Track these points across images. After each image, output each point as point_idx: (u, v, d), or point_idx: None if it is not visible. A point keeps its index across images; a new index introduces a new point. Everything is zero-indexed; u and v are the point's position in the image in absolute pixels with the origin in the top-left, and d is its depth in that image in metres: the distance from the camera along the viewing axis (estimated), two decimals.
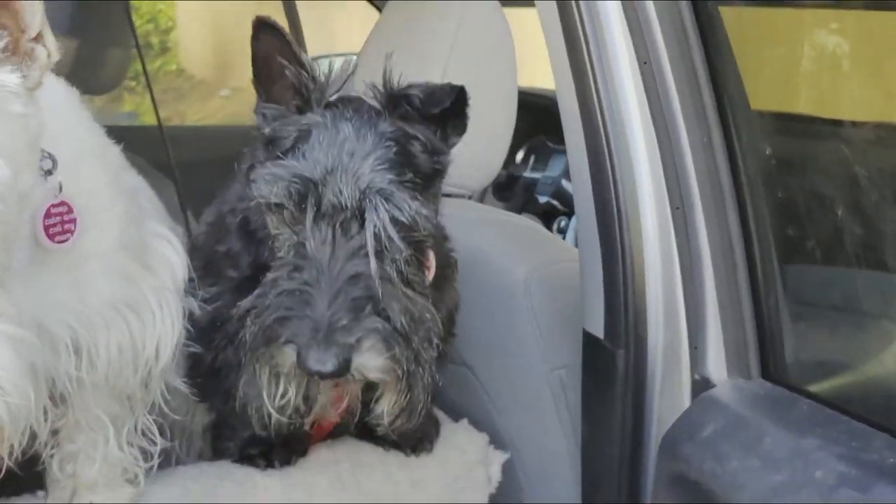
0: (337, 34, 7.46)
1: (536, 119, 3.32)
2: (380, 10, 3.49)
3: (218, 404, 2.02)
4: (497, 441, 2.21)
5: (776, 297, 1.78)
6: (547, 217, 3.47)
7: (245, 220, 1.88)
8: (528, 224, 2.54)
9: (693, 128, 1.76)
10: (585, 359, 1.96)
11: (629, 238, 1.81)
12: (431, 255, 1.85)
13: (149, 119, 3.50)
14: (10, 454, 1.55)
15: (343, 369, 1.52)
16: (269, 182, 1.59)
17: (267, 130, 1.67)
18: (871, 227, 1.68)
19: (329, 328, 1.51)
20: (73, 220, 1.59)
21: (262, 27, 1.62)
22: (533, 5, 1.90)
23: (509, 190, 3.98)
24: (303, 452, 2.01)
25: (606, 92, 1.81)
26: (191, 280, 1.88)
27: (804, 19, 1.88)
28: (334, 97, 1.68)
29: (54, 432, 1.78)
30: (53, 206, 1.56)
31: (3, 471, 1.63)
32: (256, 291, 1.63)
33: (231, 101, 9.27)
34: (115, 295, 1.69)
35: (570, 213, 3.37)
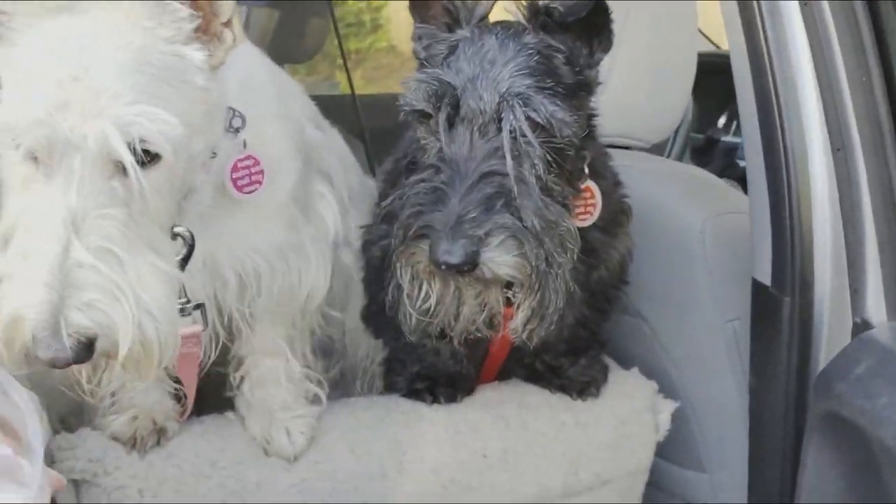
0: None
1: None
2: None
3: (389, 340, 2.11)
4: (669, 391, 2.22)
5: None
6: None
7: (412, 161, 1.95)
8: (704, 175, 2.52)
9: (852, 67, 1.72)
10: (754, 307, 1.95)
11: (796, 181, 1.80)
12: (596, 190, 1.87)
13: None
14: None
15: (470, 261, 1.53)
16: (414, 89, 1.64)
17: (422, 54, 1.73)
18: None
19: (458, 221, 1.53)
20: (261, 172, 1.72)
21: None
22: None
23: (708, 154, 3.92)
24: (469, 391, 2.07)
25: (774, 32, 1.79)
26: None
27: None
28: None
29: (240, 361, 1.94)
30: (240, 160, 1.69)
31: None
32: (397, 192, 1.68)
33: None
34: (282, 240, 1.81)
35: None
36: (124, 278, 1.35)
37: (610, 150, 2.35)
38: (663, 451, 2.21)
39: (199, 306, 1.70)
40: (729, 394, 2.11)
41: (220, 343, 1.83)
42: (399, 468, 1.93)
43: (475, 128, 1.60)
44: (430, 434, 1.96)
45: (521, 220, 1.56)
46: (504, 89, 1.59)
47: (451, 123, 1.62)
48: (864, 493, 1.62)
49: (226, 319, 1.81)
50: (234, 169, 1.69)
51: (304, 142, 1.90)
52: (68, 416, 1.91)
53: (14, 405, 1.25)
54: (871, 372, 1.57)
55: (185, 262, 1.58)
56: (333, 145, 2.19)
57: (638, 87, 2.42)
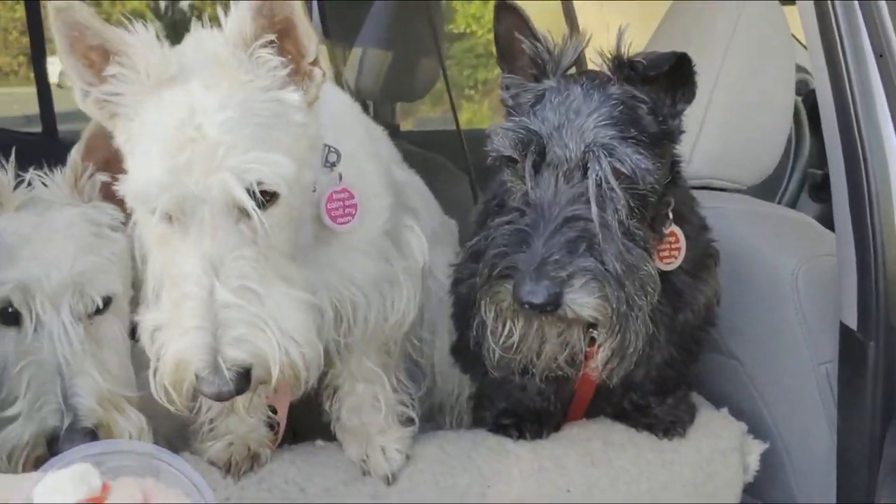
0: None
1: None
2: None
3: (478, 376, 2.17)
4: (761, 431, 2.23)
5: None
6: None
7: (500, 203, 2.02)
8: (799, 217, 2.51)
9: None
10: (841, 351, 1.96)
11: (880, 226, 1.81)
12: (681, 235, 1.91)
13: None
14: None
15: (553, 302, 1.59)
16: (500, 136, 1.72)
17: (510, 102, 1.81)
18: None
19: (542, 262, 1.59)
20: (354, 205, 1.81)
21: (503, 9, 1.78)
22: None
23: (826, 190, 3.87)
24: (555, 428, 2.11)
25: (860, 82, 1.82)
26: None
27: None
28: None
29: (335, 388, 2.03)
30: (336, 192, 1.79)
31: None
32: (483, 233, 1.75)
33: None
34: (376, 273, 1.90)
35: None
36: (264, 311, 1.49)
37: (705, 192, 2.39)
38: (754, 489, 2.21)
39: None
40: (822, 435, 2.11)
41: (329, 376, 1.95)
42: (483, 501, 1.97)
43: (560, 174, 1.66)
44: (514, 469, 2.00)
45: (602, 263, 1.62)
46: (590, 139, 1.66)
47: (536, 169, 1.69)
48: None
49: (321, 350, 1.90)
50: (329, 200, 1.79)
51: (392, 180, 2.00)
52: (175, 439, 2.02)
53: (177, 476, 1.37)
54: None
55: None
56: (416, 186, 2.32)
57: (734, 129, 2.44)
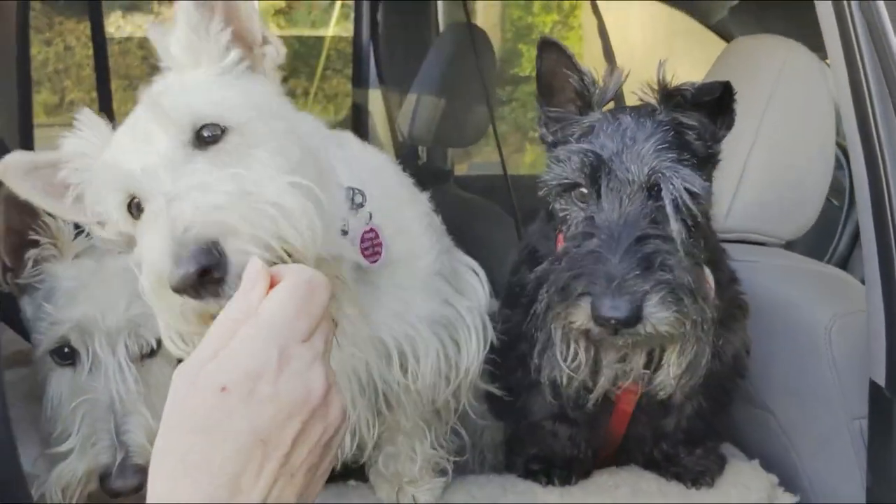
0: None
1: None
2: None
3: (511, 422, 2.22)
4: (793, 483, 2.23)
5: None
6: None
7: (533, 249, 2.07)
8: (835, 273, 2.52)
9: None
10: (871, 407, 1.96)
11: None
12: (710, 278, 1.94)
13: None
14: (342, 454, 1.89)
15: (635, 316, 1.62)
16: (561, 160, 1.77)
17: (549, 138, 1.86)
18: None
19: (622, 278, 1.62)
20: (380, 244, 1.86)
21: (546, 46, 1.82)
22: None
23: None
24: (584, 475, 2.14)
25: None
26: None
27: None
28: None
29: (378, 437, 2.05)
30: (366, 232, 1.84)
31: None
32: (547, 260, 1.80)
33: None
34: (434, 313, 1.95)
35: None
36: (219, 191, 1.33)
37: (742, 246, 2.42)
38: None
39: None
40: (854, 491, 2.10)
41: (377, 428, 1.97)
42: None
43: (623, 196, 1.71)
44: None
45: (677, 277, 1.66)
46: (652, 163, 1.71)
47: (598, 194, 1.73)
48: None
49: (385, 402, 1.95)
50: (362, 240, 1.83)
51: (435, 221, 2.07)
52: None
53: None
54: None
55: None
56: None
57: (773, 184, 2.47)
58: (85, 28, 7.66)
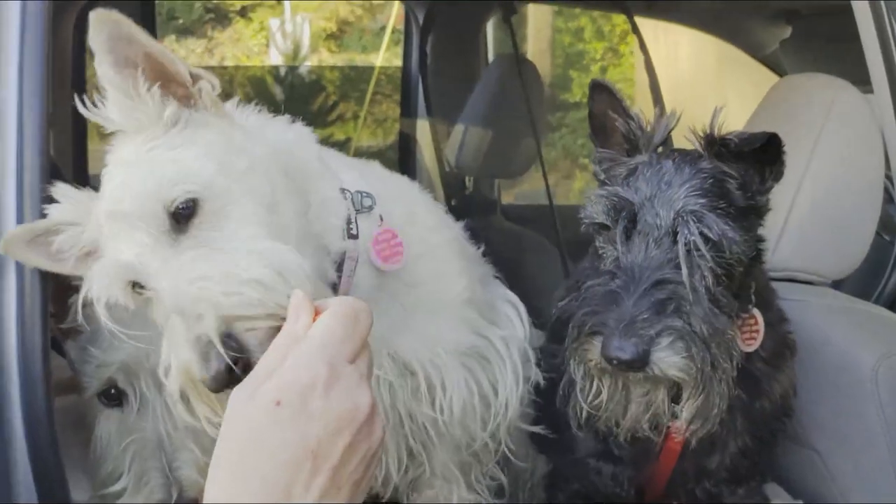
0: None
1: None
2: None
3: (554, 456, 2.22)
4: None
5: None
6: None
7: (581, 286, 2.08)
8: (882, 313, 2.50)
9: None
10: None
11: None
12: (760, 318, 1.97)
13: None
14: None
15: (641, 359, 1.64)
16: (594, 203, 1.81)
17: (601, 175, 1.90)
18: None
19: (631, 321, 1.64)
20: (400, 244, 1.88)
21: (597, 88, 1.87)
22: None
23: None
24: None
25: None
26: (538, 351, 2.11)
27: None
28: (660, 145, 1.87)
29: (412, 481, 2.07)
30: (379, 234, 1.86)
31: None
32: (573, 294, 1.83)
33: None
34: (462, 342, 1.96)
35: None
36: (210, 278, 1.42)
37: (789, 284, 2.41)
38: None
39: None
40: None
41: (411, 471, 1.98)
42: None
43: (651, 240, 1.74)
44: None
45: (689, 324, 1.68)
46: (679, 207, 1.73)
47: (628, 235, 1.76)
48: None
49: (418, 440, 1.95)
50: (375, 242, 1.85)
51: (467, 250, 2.09)
52: None
53: None
54: None
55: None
56: None
57: (821, 222, 2.45)
58: None
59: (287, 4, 10.15)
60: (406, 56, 4.47)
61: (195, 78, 1.64)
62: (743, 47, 4.24)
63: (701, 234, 1.70)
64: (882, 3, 2.17)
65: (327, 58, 11.86)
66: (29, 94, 1.68)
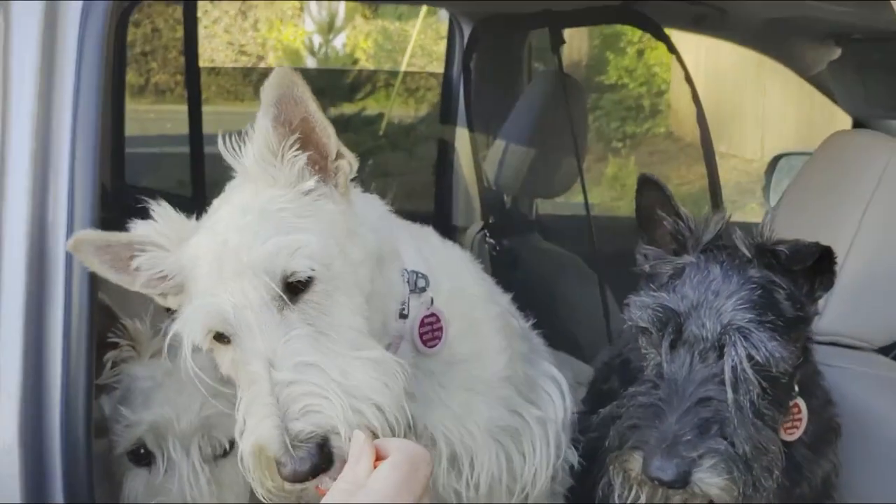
0: None
1: None
2: None
3: None
4: None
5: None
6: None
7: (626, 360, 2.06)
8: None
9: None
10: None
11: None
12: (804, 408, 1.94)
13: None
14: None
15: (682, 480, 1.64)
16: (639, 308, 1.78)
17: (647, 268, 1.87)
18: None
19: (674, 440, 1.65)
20: (441, 329, 1.88)
21: (646, 183, 1.85)
22: None
23: None
24: None
25: None
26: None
27: None
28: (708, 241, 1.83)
29: None
30: (426, 317, 1.87)
31: None
32: (616, 402, 1.81)
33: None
34: (496, 421, 1.94)
35: None
36: (327, 378, 1.50)
37: (833, 349, 2.37)
38: None
39: None
40: None
41: None
42: None
43: (696, 352, 1.72)
44: None
45: (733, 445, 1.67)
46: (726, 321, 1.70)
47: (672, 345, 1.74)
48: None
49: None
50: (421, 324, 1.86)
51: (513, 327, 2.05)
52: None
53: None
54: None
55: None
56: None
57: (869, 286, 2.41)
58: (174, 11, 7.79)
59: None
60: (448, 62, 4.43)
61: (339, 155, 1.67)
62: (789, 65, 4.16)
63: (748, 354, 1.68)
64: None
65: (361, 25, 11.80)
66: (86, 90, 1.72)
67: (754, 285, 1.73)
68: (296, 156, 1.62)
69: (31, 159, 1.71)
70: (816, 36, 3.92)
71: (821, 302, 2.38)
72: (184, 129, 4.37)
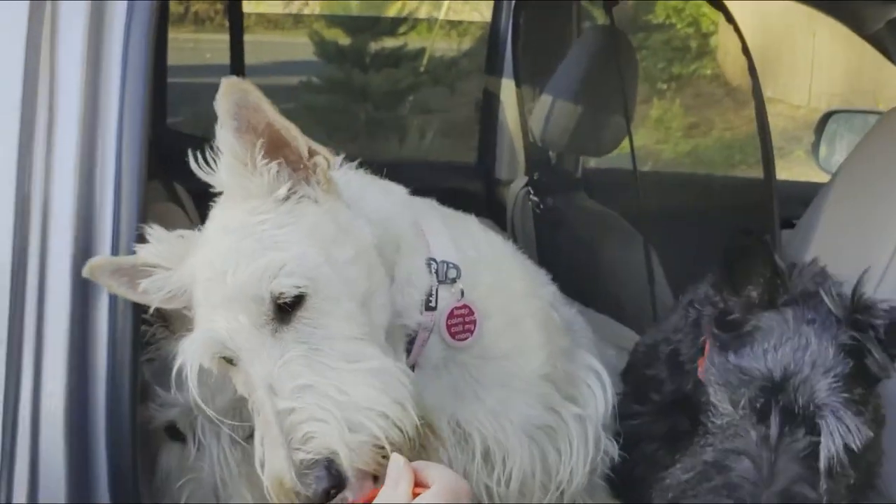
0: None
1: None
2: None
3: None
4: None
5: None
6: None
7: (675, 351, 2.03)
8: None
9: None
10: None
11: None
12: None
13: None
14: None
15: None
16: (729, 372, 1.73)
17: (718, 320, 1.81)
18: None
19: None
20: (474, 322, 1.85)
21: (749, 242, 1.75)
22: None
23: None
24: None
25: None
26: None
27: None
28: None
29: None
30: (457, 308, 1.84)
31: None
32: (692, 466, 1.75)
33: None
34: (533, 419, 1.91)
35: None
36: (324, 399, 1.50)
37: None
38: None
39: None
40: None
41: None
42: None
43: (786, 427, 1.66)
44: None
45: None
46: (821, 401, 1.65)
47: (759, 418, 1.68)
48: None
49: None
50: (451, 316, 1.84)
51: (554, 321, 2.02)
52: None
53: None
54: None
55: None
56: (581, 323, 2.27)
57: None
58: None
59: None
60: (496, 12, 4.36)
61: (312, 153, 1.65)
62: (844, 22, 4.04)
63: (844, 444, 1.64)
64: None
65: None
66: (132, 87, 1.71)
67: (848, 357, 1.68)
68: (266, 162, 1.61)
69: (78, 131, 1.70)
70: None
71: (873, 286, 2.34)
72: (224, 58, 4.32)
